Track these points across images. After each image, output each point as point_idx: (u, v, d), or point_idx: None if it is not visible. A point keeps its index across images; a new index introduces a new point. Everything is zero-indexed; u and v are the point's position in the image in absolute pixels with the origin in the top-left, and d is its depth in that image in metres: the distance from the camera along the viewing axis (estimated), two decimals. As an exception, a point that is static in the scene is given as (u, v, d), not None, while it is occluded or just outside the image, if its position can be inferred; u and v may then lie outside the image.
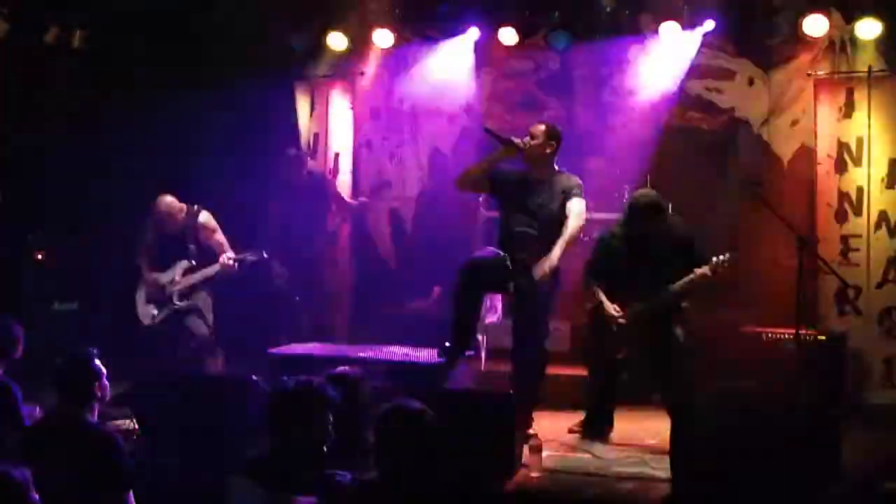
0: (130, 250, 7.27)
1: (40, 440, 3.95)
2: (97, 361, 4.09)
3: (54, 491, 3.49)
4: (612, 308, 6.12)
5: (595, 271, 6.31)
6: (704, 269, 5.91)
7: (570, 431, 6.25)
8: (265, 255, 6.86)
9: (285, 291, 7.77)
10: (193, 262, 6.91)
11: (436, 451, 3.32)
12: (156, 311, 6.96)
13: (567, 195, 6.04)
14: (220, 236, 6.92)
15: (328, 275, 8.22)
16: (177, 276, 6.92)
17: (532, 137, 6.13)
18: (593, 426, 6.24)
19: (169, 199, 6.89)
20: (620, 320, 6.08)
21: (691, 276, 5.94)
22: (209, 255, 6.91)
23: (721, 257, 5.90)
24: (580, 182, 6.19)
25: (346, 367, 4.40)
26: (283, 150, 8.18)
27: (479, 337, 6.94)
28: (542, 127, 6.20)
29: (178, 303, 6.90)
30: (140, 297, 7.03)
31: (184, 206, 6.90)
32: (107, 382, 4.13)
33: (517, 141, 6.08)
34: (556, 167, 6.22)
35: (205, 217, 6.92)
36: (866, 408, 6.73)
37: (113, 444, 3.91)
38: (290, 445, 3.49)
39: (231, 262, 6.76)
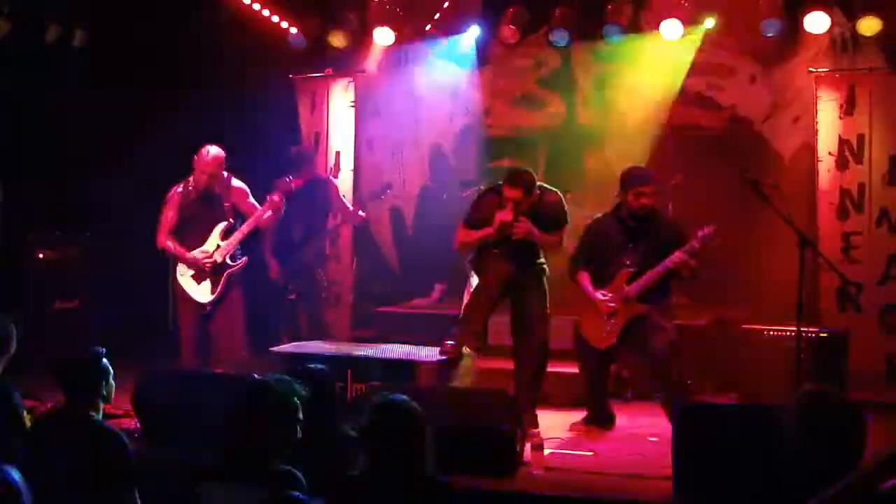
0: (136, 242, 7.11)
1: (47, 437, 3.95)
2: (105, 360, 4.10)
3: (61, 488, 3.49)
4: (598, 294, 6.10)
5: (583, 254, 6.29)
6: (693, 243, 5.87)
7: (573, 429, 6.25)
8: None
9: (284, 290, 7.76)
10: (231, 220, 6.70)
11: (423, 446, 3.34)
12: (211, 285, 6.66)
13: (552, 225, 6.09)
14: (252, 200, 6.76)
15: (329, 273, 8.22)
16: (219, 239, 6.66)
17: (516, 202, 5.97)
18: (593, 420, 6.24)
19: (219, 149, 6.66)
20: (610, 304, 6.06)
21: (681, 250, 5.89)
22: (243, 219, 6.74)
23: (706, 230, 5.89)
24: (564, 207, 6.19)
25: (313, 364, 4.44)
26: (289, 147, 8.16)
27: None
28: (519, 191, 5.97)
29: (231, 262, 6.64)
30: (186, 280, 6.67)
31: None
32: (113, 382, 4.13)
33: (509, 221, 5.96)
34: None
35: (237, 181, 6.76)
36: (867, 406, 6.71)
37: (119, 441, 3.92)
38: (263, 441, 3.50)
39: (269, 206, 6.61)
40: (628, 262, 6.08)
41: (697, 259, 5.93)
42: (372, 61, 8.98)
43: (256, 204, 6.79)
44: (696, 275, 6.04)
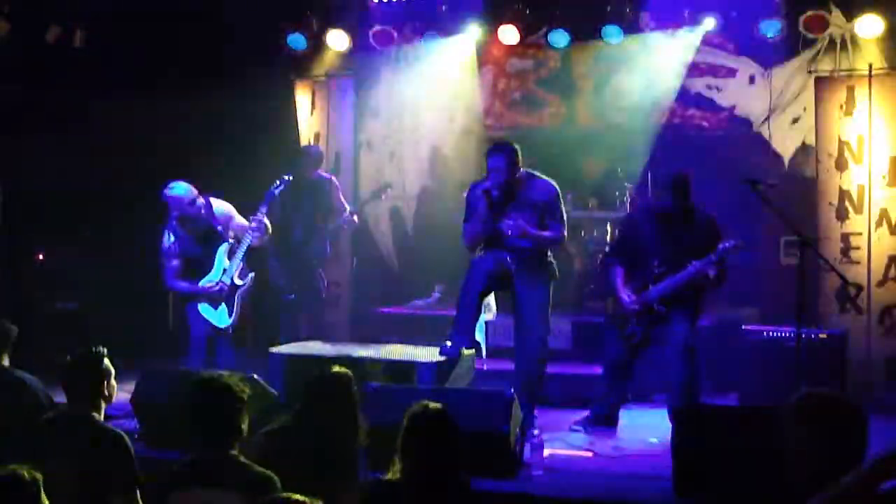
0: (136, 243, 7.09)
1: (49, 438, 3.95)
2: (107, 361, 4.10)
3: (63, 490, 3.49)
4: (623, 294, 6.11)
5: (617, 247, 6.34)
6: (710, 255, 5.88)
7: (573, 429, 6.24)
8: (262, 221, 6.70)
9: (284, 290, 7.76)
10: (231, 241, 6.70)
11: (458, 454, 3.36)
12: (227, 307, 6.70)
13: (546, 212, 6.12)
14: (240, 219, 6.77)
15: (329, 274, 8.22)
16: (225, 262, 6.69)
17: (498, 172, 6.09)
18: (596, 419, 6.23)
19: (184, 184, 6.66)
20: (633, 306, 6.07)
21: (700, 261, 5.90)
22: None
23: (727, 244, 5.91)
24: (556, 194, 6.22)
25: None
26: (303, 147, 8.15)
27: (482, 336, 6.93)
28: (502, 159, 6.10)
29: (240, 281, 6.69)
30: (205, 308, 6.69)
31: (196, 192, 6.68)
32: (115, 382, 4.14)
33: (493, 190, 6.06)
34: (522, 174, 6.22)
35: (218, 204, 6.76)
36: (867, 406, 6.72)
37: (121, 443, 3.92)
38: (211, 442, 3.50)
39: (256, 226, 6.62)
40: (656, 263, 6.06)
41: (719, 269, 5.93)
42: (371, 62, 8.97)
43: (244, 221, 6.76)
44: (719, 283, 6.05)
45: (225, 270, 6.68)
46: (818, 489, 2.57)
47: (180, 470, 3.51)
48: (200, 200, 6.67)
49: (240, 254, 6.69)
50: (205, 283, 6.70)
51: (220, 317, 6.71)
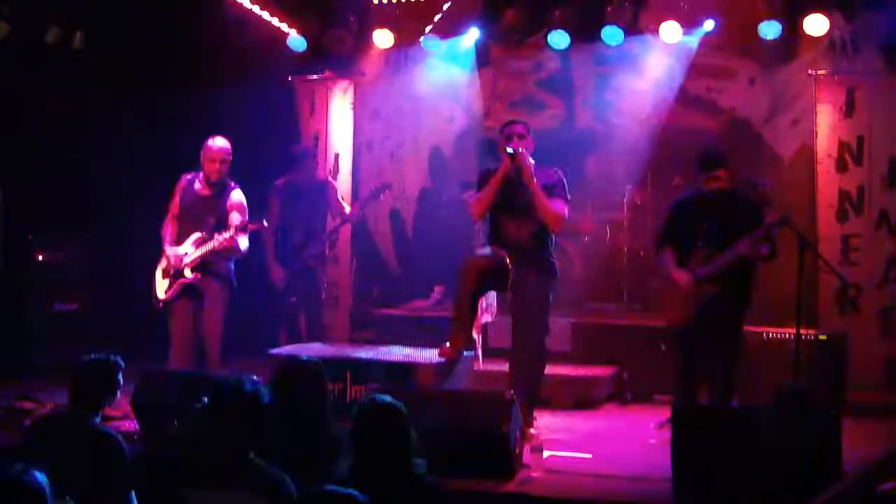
0: (136, 244, 7.06)
1: (44, 438, 3.95)
2: (120, 375, 4.12)
3: (58, 490, 3.49)
4: (677, 273, 6.07)
5: (667, 232, 6.31)
6: (757, 231, 5.85)
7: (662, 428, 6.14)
8: (264, 224, 6.68)
9: (285, 293, 7.76)
10: (204, 234, 6.53)
11: (408, 446, 3.36)
12: (168, 286, 6.58)
13: (553, 194, 6.04)
14: (238, 220, 6.56)
15: (328, 275, 8.22)
16: (189, 248, 6.55)
17: (520, 137, 6.08)
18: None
19: (225, 140, 6.65)
20: (688, 287, 6.02)
21: (747, 237, 5.86)
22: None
23: (769, 218, 5.90)
24: (562, 177, 6.15)
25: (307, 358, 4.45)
26: (291, 147, 8.15)
27: (476, 336, 6.91)
28: (521, 125, 6.16)
29: (188, 276, 6.52)
30: (158, 273, 6.64)
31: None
32: (118, 391, 4.15)
33: (514, 150, 5.98)
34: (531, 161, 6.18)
35: (238, 195, 6.66)
36: (866, 407, 6.72)
37: (115, 443, 3.92)
38: (232, 441, 3.48)
39: (231, 235, 6.43)
40: (701, 244, 6.05)
41: (768, 244, 5.91)
42: (371, 63, 8.98)
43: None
44: (771, 258, 6.01)
45: (187, 254, 6.54)
46: (808, 486, 2.59)
47: (193, 468, 3.50)
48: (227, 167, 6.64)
49: (202, 252, 6.51)
50: (173, 249, 6.57)
51: (160, 288, 6.60)
